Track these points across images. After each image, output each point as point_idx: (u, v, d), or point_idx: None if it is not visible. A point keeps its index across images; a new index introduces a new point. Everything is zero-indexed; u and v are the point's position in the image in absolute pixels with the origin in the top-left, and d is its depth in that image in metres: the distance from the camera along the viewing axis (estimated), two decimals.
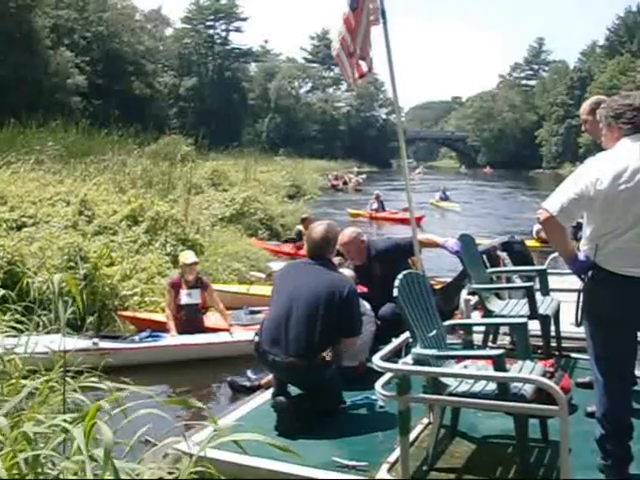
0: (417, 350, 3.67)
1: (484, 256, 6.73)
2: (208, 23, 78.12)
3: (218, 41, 78.80)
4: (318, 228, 4.89)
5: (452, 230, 19.73)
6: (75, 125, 23.22)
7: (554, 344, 5.52)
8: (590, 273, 3.35)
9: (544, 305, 5.42)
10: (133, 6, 64.70)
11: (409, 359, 3.69)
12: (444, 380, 3.67)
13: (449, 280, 7.40)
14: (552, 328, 5.38)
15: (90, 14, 53.91)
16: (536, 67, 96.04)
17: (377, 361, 3.56)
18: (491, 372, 3.54)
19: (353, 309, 4.64)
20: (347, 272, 5.51)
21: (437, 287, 7.44)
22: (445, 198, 29.62)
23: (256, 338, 4.68)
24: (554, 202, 3.32)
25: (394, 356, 3.90)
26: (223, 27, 79.28)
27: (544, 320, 5.24)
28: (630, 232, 3.20)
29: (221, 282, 10.25)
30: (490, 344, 5.54)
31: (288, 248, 13.83)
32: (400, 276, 3.88)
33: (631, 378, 3.56)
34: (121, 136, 24.50)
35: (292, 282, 4.72)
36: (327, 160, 64.29)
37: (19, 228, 11.15)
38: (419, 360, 3.69)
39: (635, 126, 3.34)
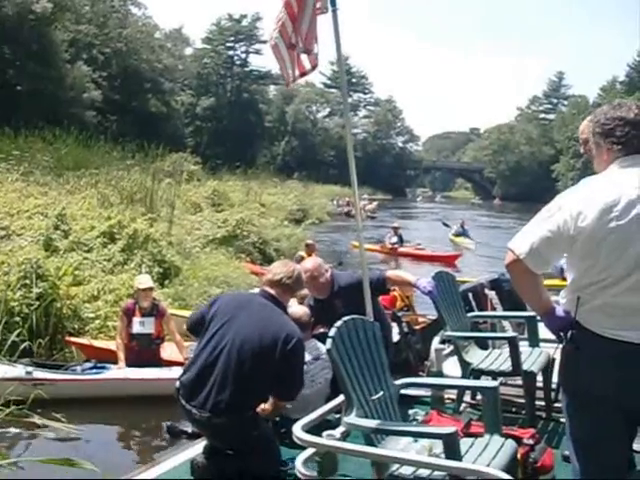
0: (349, 419, 2.90)
1: (470, 295, 5.98)
2: (228, 44, 77.97)
3: (237, 62, 78.63)
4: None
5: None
6: (76, 137, 22.71)
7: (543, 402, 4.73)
8: (569, 333, 2.57)
9: (530, 359, 4.63)
10: (154, 24, 64.71)
11: (338, 431, 2.91)
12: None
13: (433, 319, 6.66)
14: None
15: (110, 30, 53.82)
16: (555, 101, 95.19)
17: (297, 431, 2.80)
18: (438, 460, 2.73)
19: (295, 370, 3.82)
20: (300, 309, 4.75)
21: (418, 327, 6.72)
22: (462, 233, 26.79)
23: (177, 383, 3.92)
24: (523, 242, 2.54)
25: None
26: (243, 49, 79.15)
27: (528, 377, 4.43)
28: (622, 284, 2.42)
29: (194, 308, 9.50)
30: (468, 399, 4.78)
31: None
32: (338, 323, 3.13)
33: (618, 471, 2.76)
34: (131, 152, 23.83)
35: (228, 320, 3.91)
36: (341, 186, 63.77)
37: None
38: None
39: (628, 146, 2.55)
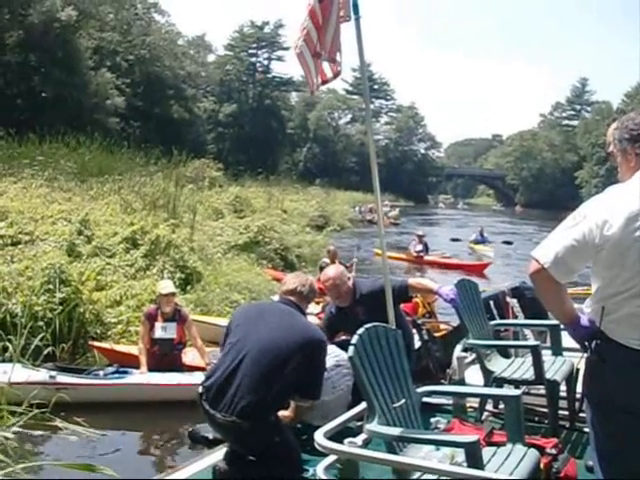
0: (371, 427, 2.89)
1: (491, 303, 5.94)
2: (251, 51, 78.44)
3: (260, 69, 79.02)
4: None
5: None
6: (100, 143, 22.90)
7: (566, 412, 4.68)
8: (594, 343, 2.54)
9: (553, 368, 4.58)
10: (177, 31, 65.34)
11: (359, 439, 2.91)
12: None
13: (454, 326, 6.64)
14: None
15: (134, 37, 54.33)
16: (578, 107, 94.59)
17: (319, 438, 2.80)
18: (460, 468, 2.71)
19: (319, 370, 3.90)
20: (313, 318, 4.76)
21: (439, 335, 6.69)
22: (481, 240, 26.61)
23: (200, 388, 3.93)
24: (547, 250, 2.51)
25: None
26: (265, 56, 79.58)
27: (551, 386, 4.38)
28: None
29: (215, 314, 9.53)
30: (490, 408, 4.73)
31: None
32: (360, 331, 3.13)
33: None
34: (154, 158, 23.94)
35: (251, 326, 3.94)
36: (363, 192, 63.67)
37: (14, 245, 10.68)
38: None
39: None
